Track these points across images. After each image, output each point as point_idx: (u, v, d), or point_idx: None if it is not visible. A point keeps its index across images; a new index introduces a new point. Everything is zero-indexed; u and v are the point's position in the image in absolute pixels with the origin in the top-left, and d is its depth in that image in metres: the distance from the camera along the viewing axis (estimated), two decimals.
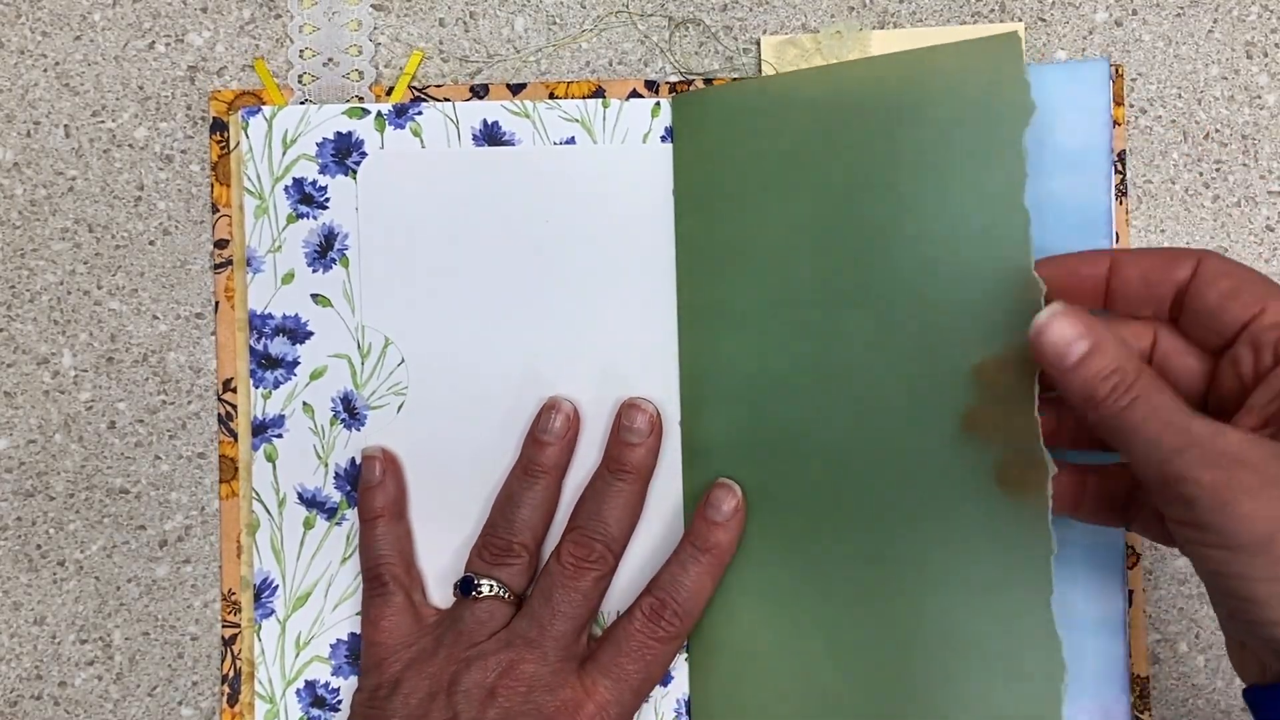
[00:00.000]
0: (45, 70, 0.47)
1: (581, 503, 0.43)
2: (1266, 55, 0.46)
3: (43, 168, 0.47)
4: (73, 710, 0.46)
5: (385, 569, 0.43)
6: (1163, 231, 0.46)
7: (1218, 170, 0.46)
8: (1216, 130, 0.46)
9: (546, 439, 0.43)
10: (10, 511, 0.47)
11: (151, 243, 0.47)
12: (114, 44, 0.47)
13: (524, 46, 0.47)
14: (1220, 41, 0.46)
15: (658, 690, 0.45)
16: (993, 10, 0.46)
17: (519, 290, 0.45)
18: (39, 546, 0.47)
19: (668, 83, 0.46)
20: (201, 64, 0.47)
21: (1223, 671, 0.45)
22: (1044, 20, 0.46)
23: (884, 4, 0.46)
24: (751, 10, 0.46)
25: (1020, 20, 0.46)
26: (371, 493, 0.44)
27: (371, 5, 0.47)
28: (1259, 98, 0.46)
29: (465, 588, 0.42)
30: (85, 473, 0.47)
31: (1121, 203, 0.45)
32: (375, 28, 0.46)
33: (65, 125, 0.47)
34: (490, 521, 0.44)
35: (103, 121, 0.47)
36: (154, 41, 0.47)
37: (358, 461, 0.45)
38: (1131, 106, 0.46)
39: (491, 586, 0.42)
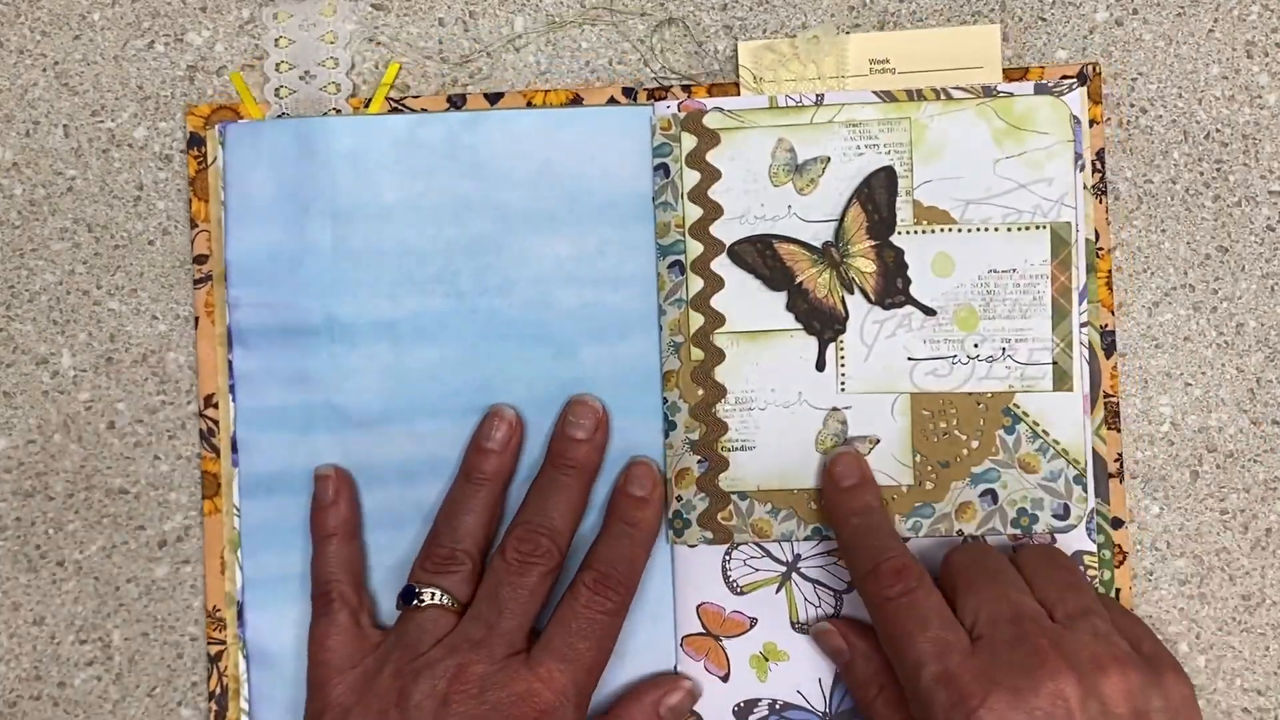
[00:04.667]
0: (44, 70, 0.47)
1: (526, 499, 0.43)
2: (1267, 55, 0.46)
3: (42, 168, 0.47)
4: (72, 710, 0.46)
5: (333, 587, 0.43)
6: (1163, 231, 0.46)
7: (1218, 170, 0.46)
8: (1217, 130, 0.46)
9: (490, 446, 0.43)
10: (9, 512, 0.47)
11: (151, 243, 0.47)
12: (113, 44, 0.47)
13: (524, 46, 0.47)
14: (1220, 41, 0.46)
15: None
16: (993, 10, 0.46)
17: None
18: (38, 547, 0.47)
19: (645, 89, 0.46)
20: (201, 64, 0.47)
21: (1223, 672, 0.45)
22: (1044, 20, 0.46)
23: (884, 4, 0.46)
24: (751, 10, 0.46)
25: (1020, 20, 0.46)
26: (324, 512, 0.44)
27: (371, 5, 0.47)
28: (1259, 97, 0.46)
29: (407, 597, 0.42)
30: (84, 473, 0.47)
31: (1101, 201, 0.45)
32: (350, 40, 0.46)
33: (64, 125, 0.47)
34: (433, 531, 0.43)
35: (102, 121, 0.47)
36: (153, 41, 0.47)
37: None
38: (1132, 106, 0.46)
39: (434, 594, 0.42)
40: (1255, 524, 0.45)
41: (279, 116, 0.46)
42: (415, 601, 0.42)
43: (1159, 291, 0.46)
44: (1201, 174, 0.46)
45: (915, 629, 0.38)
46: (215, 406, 0.46)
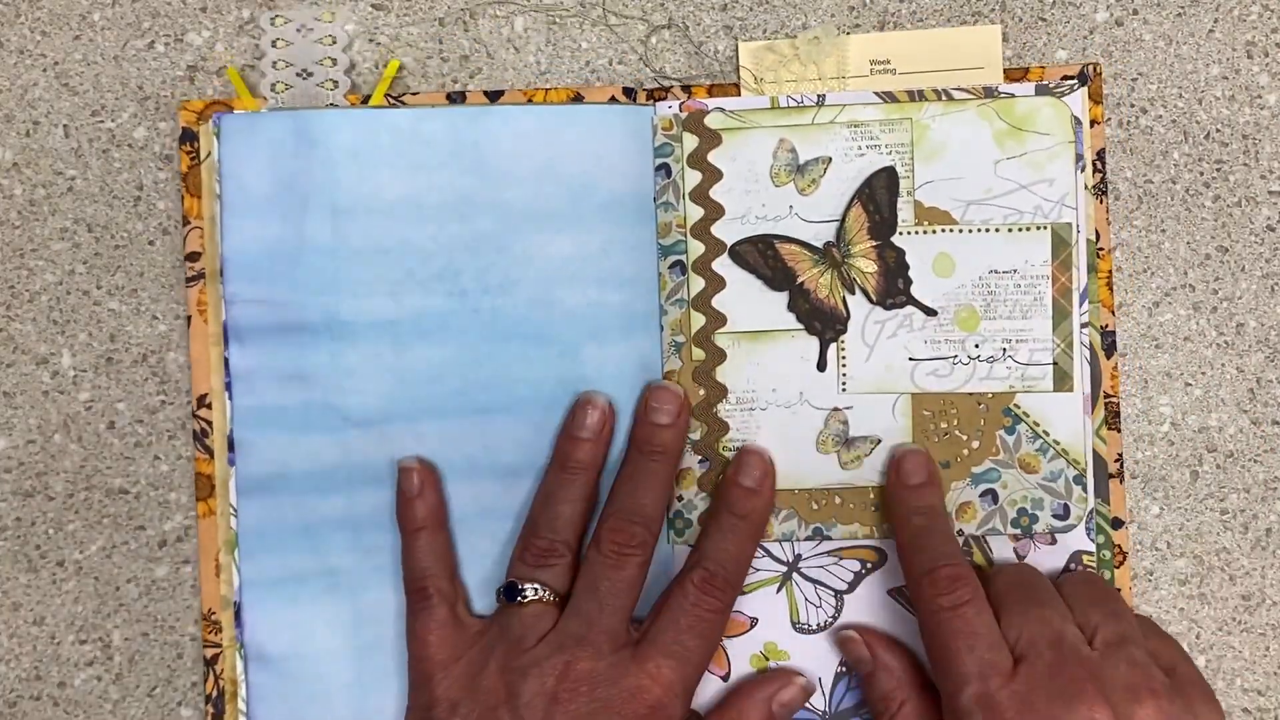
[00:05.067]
0: (45, 70, 0.47)
1: (615, 487, 0.43)
2: (1267, 55, 0.46)
3: (42, 168, 0.47)
4: (72, 711, 0.46)
5: (429, 582, 0.43)
6: (1163, 231, 0.46)
7: (1218, 170, 0.46)
8: (1217, 130, 0.46)
9: (583, 435, 0.43)
10: (10, 512, 0.47)
11: (151, 243, 0.47)
12: (113, 44, 0.47)
13: (524, 46, 0.47)
14: (1221, 41, 0.46)
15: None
16: (993, 10, 0.46)
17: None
18: (38, 547, 0.47)
19: (645, 89, 0.46)
20: (201, 64, 0.47)
21: (1223, 672, 0.45)
22: (1044, 20, 0.46)
23: (884, 4, 0.46)
24: (752, 10, 0.46)
25: (1020, 20, 0.46)
26: (412, 504, 0.43)
27: (371, 5, 0.47)
28: (1259, 97, 0.46)
29: (510, 593, 0.42)
30: (85, 473, 0.47)
31: (1102, 201, 0.45)
32: (350, 43, 0.46)
33: (65, 125, 0.47)
34: (530, 522, 0.43)
35: (102, 121, 0.47)
36: (153, 41, 0.47)
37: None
38: (1132, 106, 0.46)
39: (536, 590, 0.41)
40: (1255, 524, 0.46)
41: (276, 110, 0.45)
42: (519, 598, 0.41)
43: (1159, 291, 0.46)
44: (1201, 174, 0.46)
45: (963, 646, 0.39)
46: (209, 407, 0.45)
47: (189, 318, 0.46)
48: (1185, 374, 0.46)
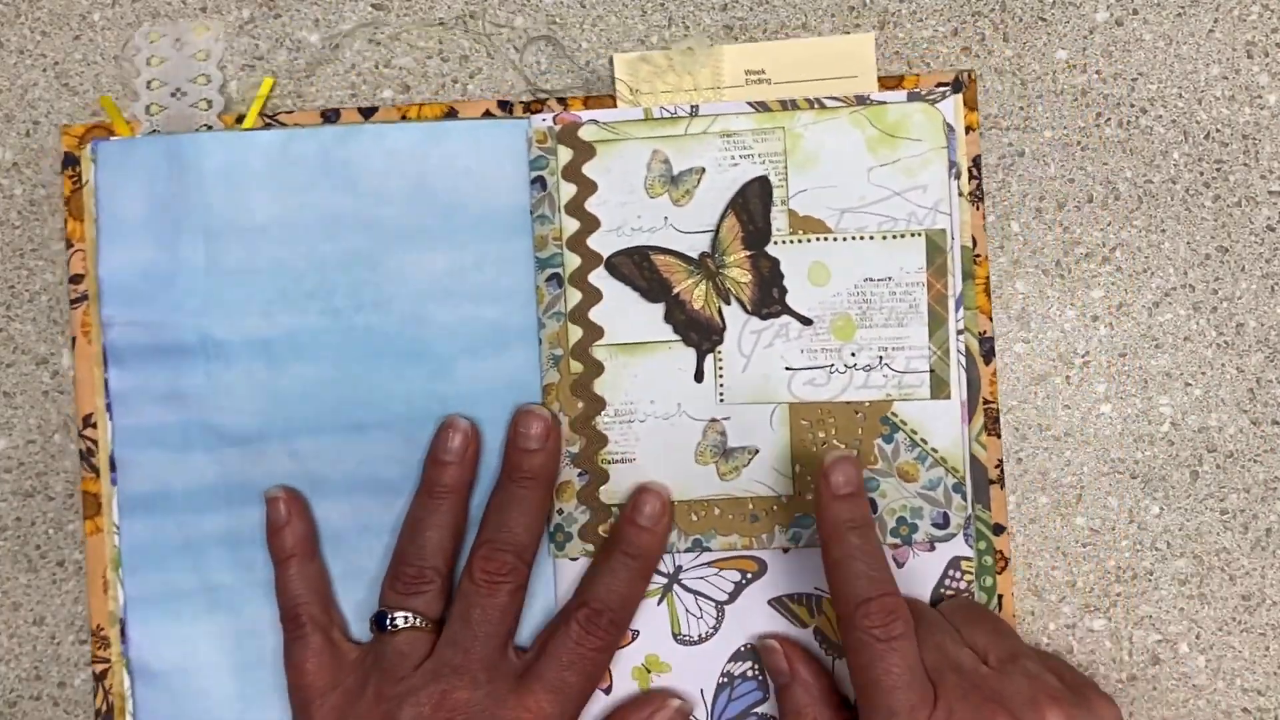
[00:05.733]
0: (45, 70, 0.47)
1: (487, 515, 0.43)
2: (1267, 55, 0.46)
3: (42, 168, 0.47)
4: (72, 710, 0.46)
5: (302, 610, 0.43)
6: (1163, 231, 0.46)
7: (1218, 170, 0.46)
8: (1217, 130, 0.46)
9: (447, 458, 0.43)
10: (9, 512, 0.47)
11: None
12: (113, 44, 0.47)
13: (524, 47, 0.47)
14: (1220, 41, 0.46)
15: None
16: (993, 10, 0.46)
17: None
18: (38, 547, 0.47)
19: (521, 102, 0.46)
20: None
21: (1223, 672, 0.45)
22: (1044, 20, 0.46)
23: (884, 4, 0.46)
24: (752, 10, 0.46)
25: (1020, 20, 0.46)
26: (280, 534, 0.44)
27: (371, 5, 0.47)
28: (1259, 98, 0.46)
29: (380, 622, 0.42)
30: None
31: (979, 208, 0.45)
32: (223, 58, 0.46)
33: (64, 125, 0.47)
34: (399, 550, 0.43)
35: (102, 121, 0.47)
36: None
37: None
38: (1132, 106, 0.46)
39: (407, 618, 0.41)
40: (1255, 524, 0.46)
41: (150, 134, 0.45)
42: (389, 625, 0.42)
43: (1159, 291, 0.46)
44: (1201, 174, 0.46)
45: (896, 682, 0.38)
46: (94, 426, 0.46)
47: (74, 339, 0.46)
48: (1185, 374, 0.46)
